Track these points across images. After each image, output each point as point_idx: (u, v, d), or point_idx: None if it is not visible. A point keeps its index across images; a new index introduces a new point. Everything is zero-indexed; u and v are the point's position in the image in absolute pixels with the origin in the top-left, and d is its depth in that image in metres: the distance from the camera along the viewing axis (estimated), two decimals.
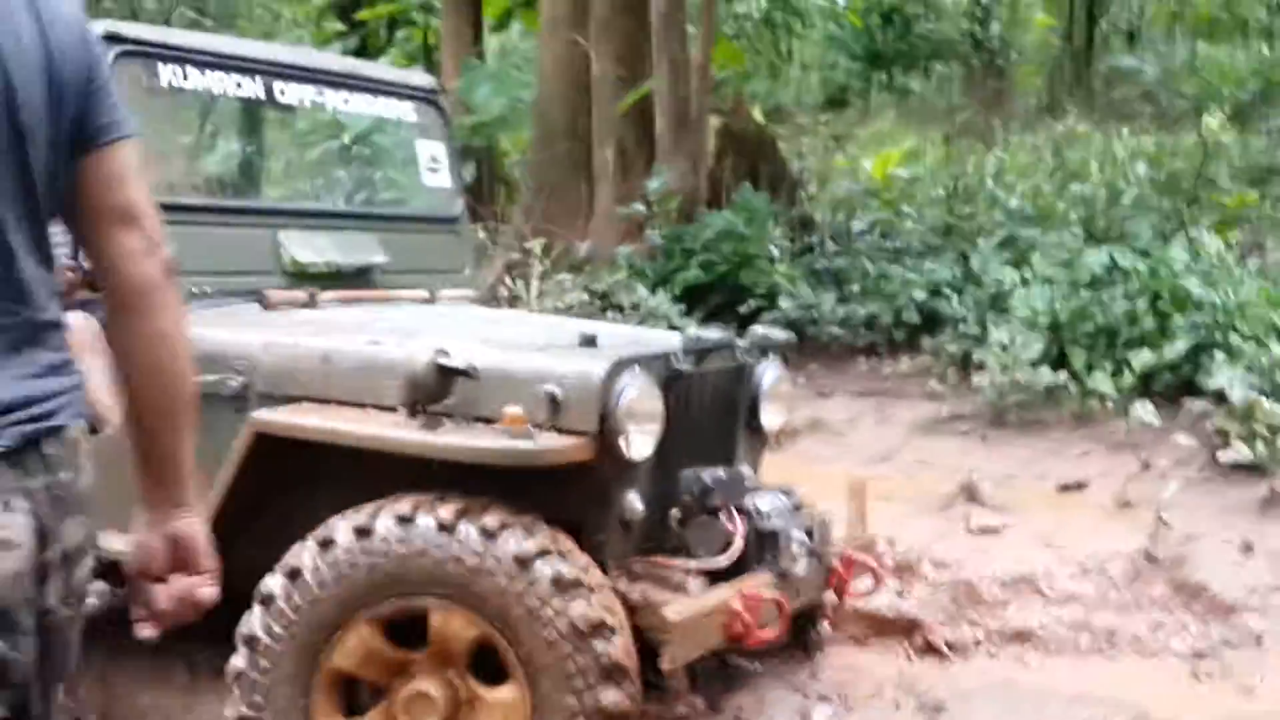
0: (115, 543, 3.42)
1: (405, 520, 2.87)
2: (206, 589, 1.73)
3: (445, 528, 2.83)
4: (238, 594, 3.03)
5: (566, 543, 2.91)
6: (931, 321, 7.14)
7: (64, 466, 1.60)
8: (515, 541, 2.81)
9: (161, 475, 1.70)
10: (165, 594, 1.71)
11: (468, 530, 2.83)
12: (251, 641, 2.97)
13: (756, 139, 9.14)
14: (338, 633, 2.91)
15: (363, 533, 2.89)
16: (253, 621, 2.98)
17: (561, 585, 2.78)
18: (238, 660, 2.99)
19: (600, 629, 2.78)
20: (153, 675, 3.93)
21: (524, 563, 2.79)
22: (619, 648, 2.80)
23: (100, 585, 3.55)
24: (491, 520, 2.84)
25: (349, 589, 2.89)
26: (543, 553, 2.81)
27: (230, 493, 3.17)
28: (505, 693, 2.85)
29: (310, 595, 2.91)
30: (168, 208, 3.52)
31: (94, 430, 3.94)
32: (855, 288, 7.51)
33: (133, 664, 3.97)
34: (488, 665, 2.90)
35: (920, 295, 7.20)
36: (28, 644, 1.50)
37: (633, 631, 2.93)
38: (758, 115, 9.98)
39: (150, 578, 1.72)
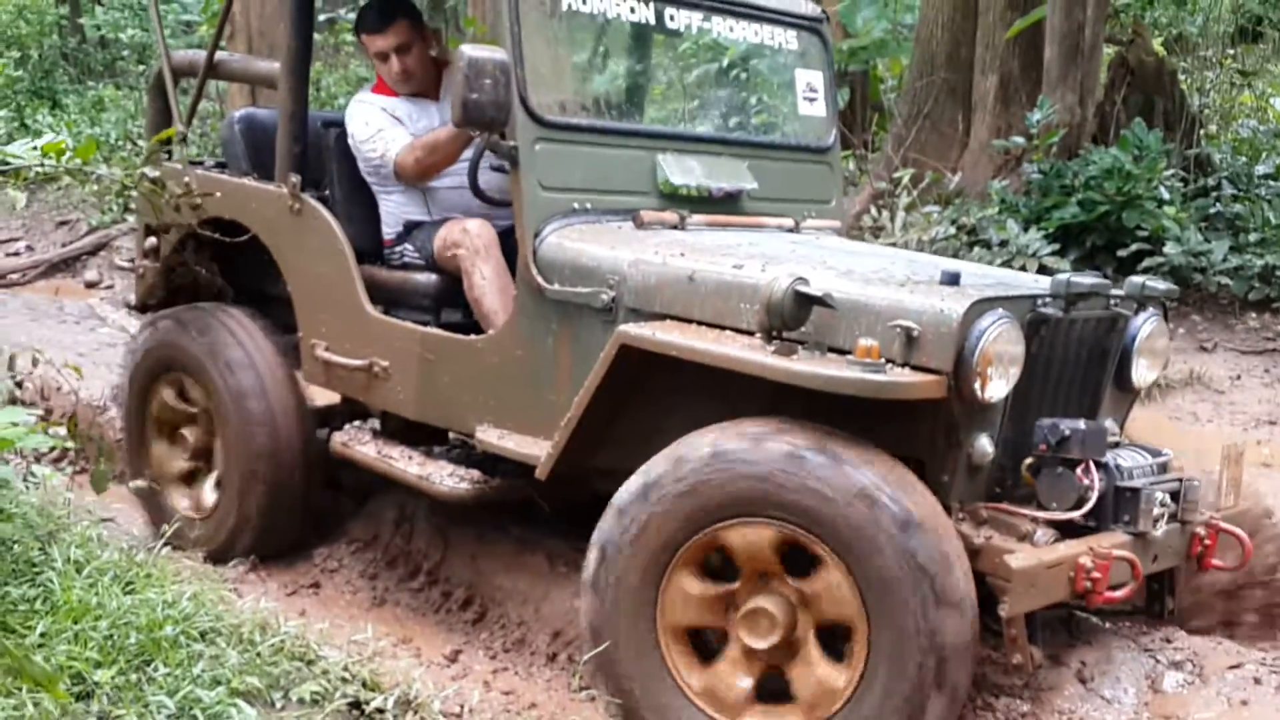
0: (492, 436, 3.75)
1: (755, 443, 2.95)
2: None
3: (792, 454, 2.89)
4: (597, 495, 3.24)
5: (910, 477, 2.91)
6: None
7: None
8: (860, 473, 2.84)
9: None
10: None
11: (815, 458, 2.88)
12: (604, 550, 3.14)
13: (1154, 71, 8.52)
14: (683, 548, 3.03)
15: (714, 453, 2.98)
16: (606, 530, 3.14)
17: (903, 518, 2.79)
18: (590, 564, 3.16)
19: (942, 563, 2.78)
20: (515, 562, 4.26)
21: (868, 494, 2.81)
22: (960, 583, 2.79)
23: (475, 474, 3.88)
24: (838, 450, 2.88)
25: (697, 506, 3.00)
26: (886, 485, 2.83)
27: (594, 399, 3.35)
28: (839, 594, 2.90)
29: (660, 509, 3.05)
30: (559, 127, 3.80)
31: (480, 330, 4.28)
32: (1252, 236, 6.96)
33: (498, 550, 4.33)
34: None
35: None
36: None
37: (974, 576, 2.91)
38: (1158, 46, 9.31)
39: None
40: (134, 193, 4.42)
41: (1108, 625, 3.60)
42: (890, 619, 2.80)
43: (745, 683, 3.03)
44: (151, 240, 4.80)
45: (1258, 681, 3.34)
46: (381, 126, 4.27)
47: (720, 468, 2.96)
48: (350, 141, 4.34)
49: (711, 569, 3.10)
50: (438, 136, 4.18)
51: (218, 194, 4.44)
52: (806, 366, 2.96)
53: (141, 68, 15.29)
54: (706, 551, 3.07)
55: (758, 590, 3.03)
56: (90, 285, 9.89)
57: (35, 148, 3.80)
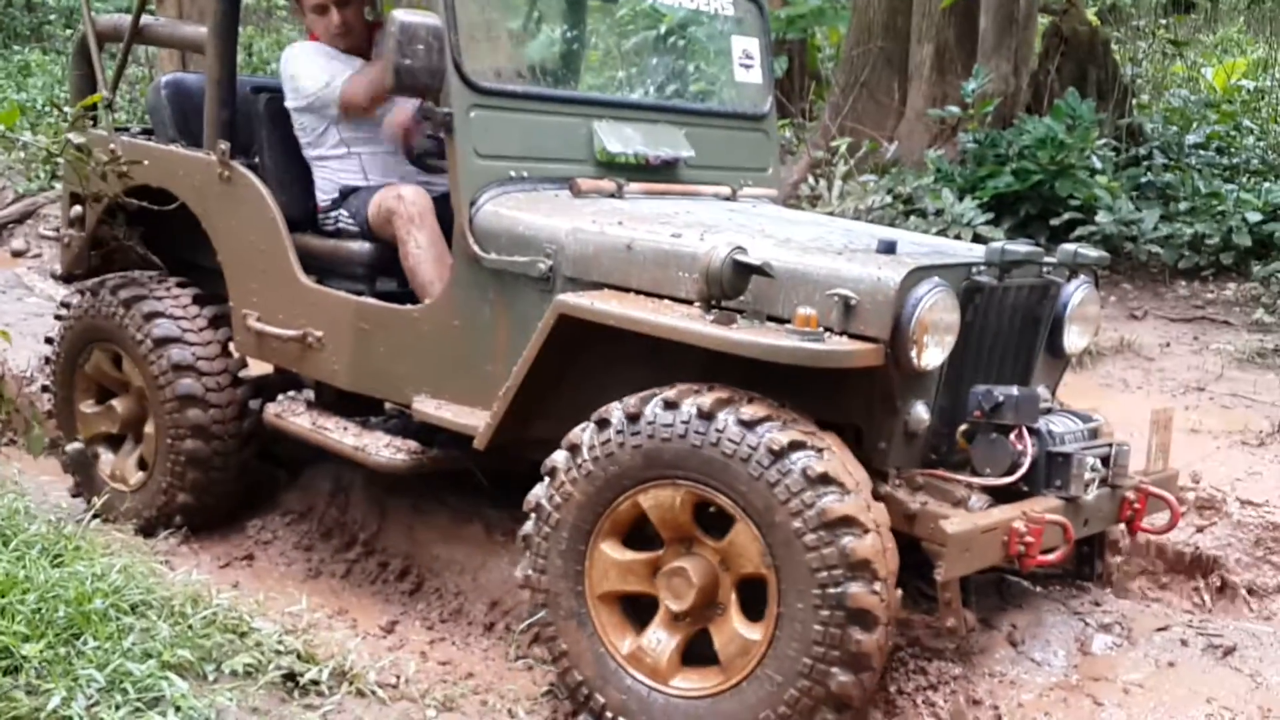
0: (429, 406, 3.72)
1: (670, 406, 2.96)
2: None
3: (705, 415, 2.90)
4: (535, 465, 3.23)
5: (826, 439, 2.91)
6: (1264, 246, 6.68)
7: None
8: (770, 432, 2.85)
9: None
10: None
11: (726, 419, 2.89)
12: (538, 510, 3.16)
13: (1088, 41, 8.60)
14: (608, 510, 3.06)
15: (632, 416, 3.01)
16: (539, 492, 3.17)
17: (812, 478, 2.80)
18: (527, 526, 3.19)
19: (848, 524, 2.78)
20: (453, 531, 4.25)
21: (777, 453, 2.82)
22: (868, 545, 2.78)
23: (412, 444, 3.85)
24: (750, 411, 2.89)
25: (618, 468, 3.02)
26: (796, 445, 2.83)
27: (532, 369, 3.34)
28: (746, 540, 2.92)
29: (586, 471, 3.07)
30: (494, 93, 3.75)
31: (415, 300, 4.24)
32: (1182, 205, 7.06)
33: (435, 520, 4.31)
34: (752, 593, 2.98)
35: (1255, 217, 6.74)
36: None
37: (910, 542, 2.93)
38: (1091, 16, 9.39)
39: None
40: (61, 160, 4.32)
41: (1038, 589, 3.66)
42: (797, 578, 2.81)
43: (670, 646, 3.05)
44: (77, 209, 4.70)
45: (1184, 644, 3.41)
46: (331, 68, 4.20)
47: (638, 429, 2.99)
48: (288, 85, 4.24)
49: (643, 539, 3.11)
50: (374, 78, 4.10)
51: (145, 161, 4.35)
52: (745, 335, 2.96)
53: (69, 32, 14.95)
54: (631, 518, 3.08)
55: (680, 555, 3.05)
56: (17, 254, 9.65)
57: None
